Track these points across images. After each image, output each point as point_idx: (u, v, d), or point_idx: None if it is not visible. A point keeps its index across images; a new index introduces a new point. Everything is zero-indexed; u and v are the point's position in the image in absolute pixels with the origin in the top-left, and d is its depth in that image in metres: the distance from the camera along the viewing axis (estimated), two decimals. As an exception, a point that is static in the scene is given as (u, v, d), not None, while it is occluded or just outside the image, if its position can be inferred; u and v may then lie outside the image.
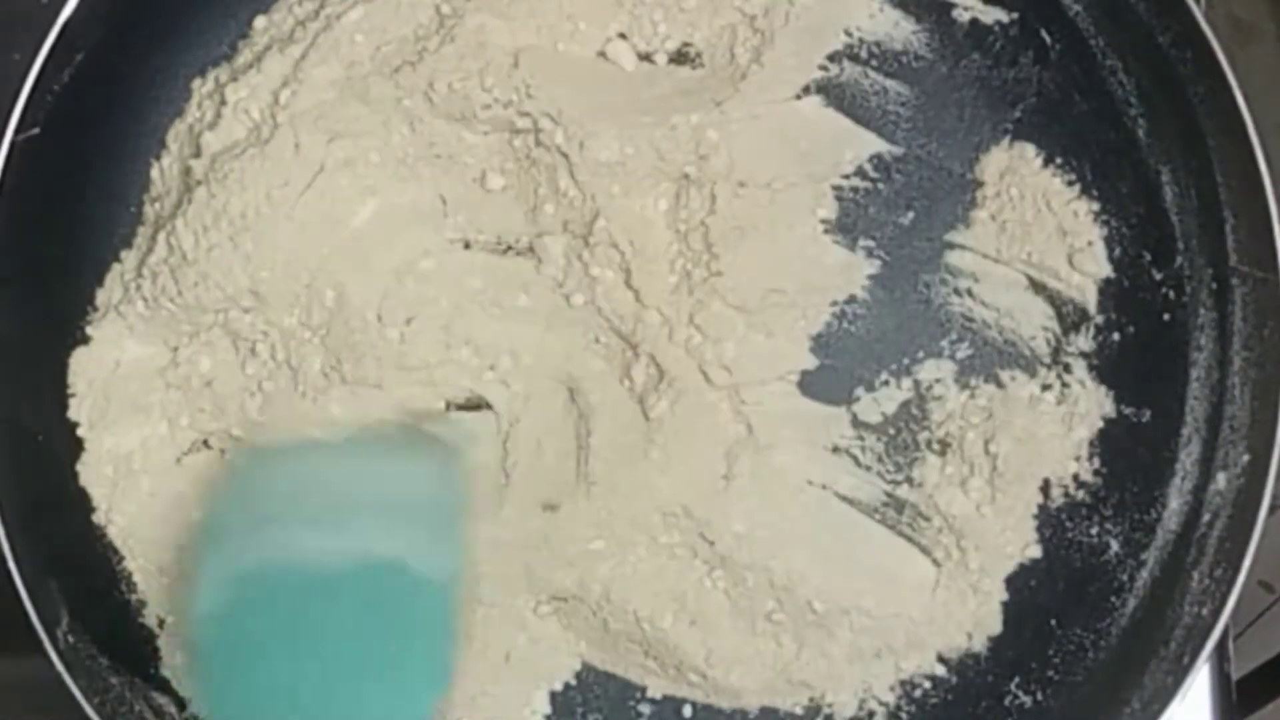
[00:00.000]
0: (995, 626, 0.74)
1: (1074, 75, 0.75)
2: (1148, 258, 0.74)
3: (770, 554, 0.72)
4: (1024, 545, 0.74)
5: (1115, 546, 0.73)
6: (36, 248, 0.73)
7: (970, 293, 0.75)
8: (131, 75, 0.76)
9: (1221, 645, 0.75)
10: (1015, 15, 0.76)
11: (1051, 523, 0.74)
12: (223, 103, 0.73)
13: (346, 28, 0.73)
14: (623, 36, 0.76)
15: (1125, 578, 0.73)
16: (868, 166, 0.76)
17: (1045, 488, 0.74)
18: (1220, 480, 0.70)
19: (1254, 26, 1.37)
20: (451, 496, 0.70)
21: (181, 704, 0.73)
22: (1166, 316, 0.73)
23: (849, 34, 0.76)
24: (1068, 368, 0.75)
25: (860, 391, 0.75)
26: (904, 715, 0.74)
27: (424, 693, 0.64)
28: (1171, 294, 0.73)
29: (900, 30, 0.77)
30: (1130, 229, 0.74)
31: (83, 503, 0.73)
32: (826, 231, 0.75)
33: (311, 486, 0.69)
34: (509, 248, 0.75)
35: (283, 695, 0.63)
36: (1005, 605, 0.74)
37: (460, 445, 0.74)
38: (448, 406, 0.75)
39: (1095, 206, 0.74)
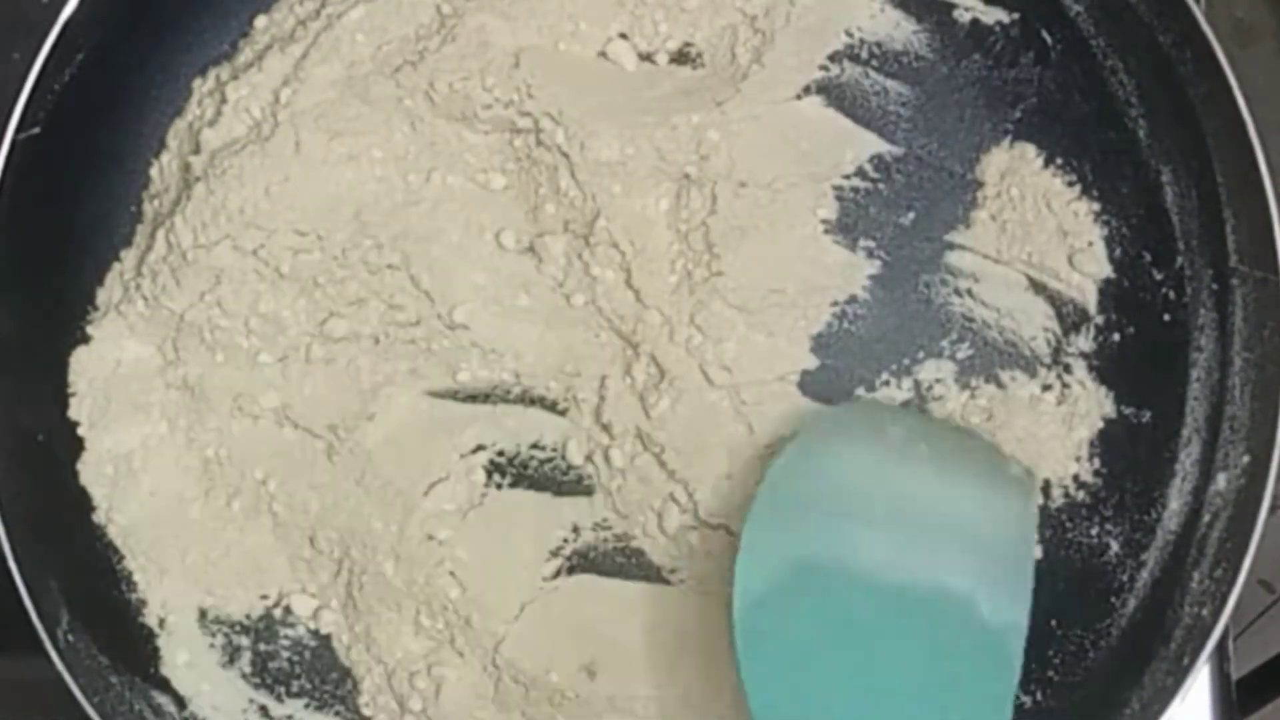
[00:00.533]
0: (996, 627, 0.74)
1: (1074, 75, 0.75)
2: (1148, 258, 0.73)
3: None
4: (1024, 546, 0.74)
5: (1115, 547, 0.73)
6: (36, 248, 0.73)
7: (970, 293, 0.75)
8: (132, 75, 0.76)
9: (1221, 645, 0.75)
10: (1016, 15, 0.76)
11: (1051, 523, 0.74)
12: (223, 100, 0.73)
13: (348, 27, 0.73)
14: (624, 36, 0.76)
15: (1125, 578, 0.72)
16: (868, 167, 0.76)
17: (1045, 488, 0.74)
18: (1220, 481, 0.70)
19: (1254, 26, 1.37)
20: (1025, 536, 0.67)
21: (181, 703, 0.73)
22: (1167, 317, 0.73)
23: (850, 34, 0.76)
24: (1068, 368, 0.75)
25: (860, 391, 0.75)
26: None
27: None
28: (1172, 294, 0.73)
29: (901, 31, 0.76)
30: (1130, 229, 0.74)
31: (83, 503, 0.73)
32: (827, 232, 0.75)
33: (884, 489, 0.66)
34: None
35: (824, 699, 0.60)
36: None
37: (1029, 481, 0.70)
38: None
39: (1095, 207, 0.74)
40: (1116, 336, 0.74)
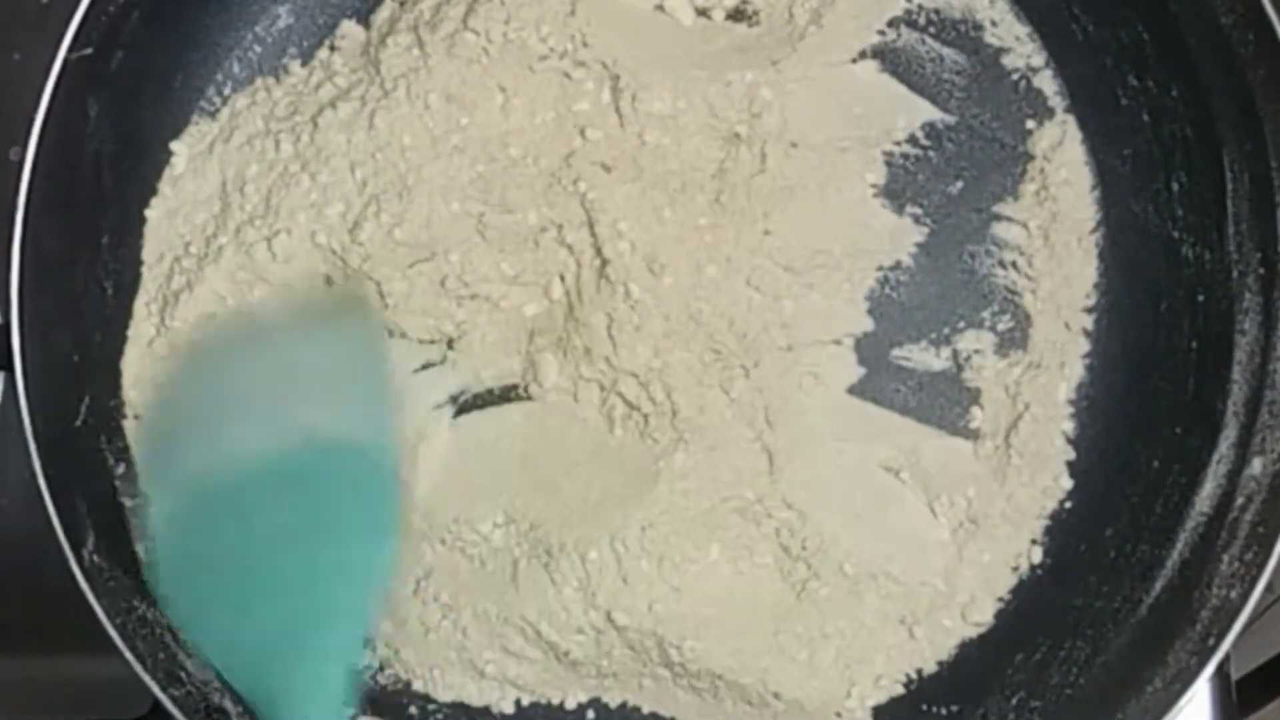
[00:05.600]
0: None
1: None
2: (1196, 240, 0.74)
3: (804, 514, 0.72)
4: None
5: (1147, 526, 0.73)
6: (83, 169, 0.73)
7: (1015, 265, 0.75)
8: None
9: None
10: (1077, -9, 0.76)
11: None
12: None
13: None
14: (682, -10, 0.76)
15: (1155, 557, 0.72)
16: (919, 134, 0.76)
17: (1080, 464, 0.74)
18: (1256, 465, 0.70)
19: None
20: (376, 360, 0.70)
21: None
22: (1212, 299, 0.73)
23: (909, 0, 0.76)
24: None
25: (897, 356, 0.75)
26: (929, 682, 0.74)
27: (380, 552, 0.64)
28: (1219, 277, 0.72)
29: (960, -1, 0.77)
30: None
31: (115, 424, 0.73)
32: (875, 196, 0.75)
33: (241, 379, 0.68)
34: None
35: (241, 593, 0.62)
36: (1033, 580, 0.74)
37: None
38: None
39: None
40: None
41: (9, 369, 0.67)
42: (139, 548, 0.66)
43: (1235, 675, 0.76)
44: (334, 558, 0.63)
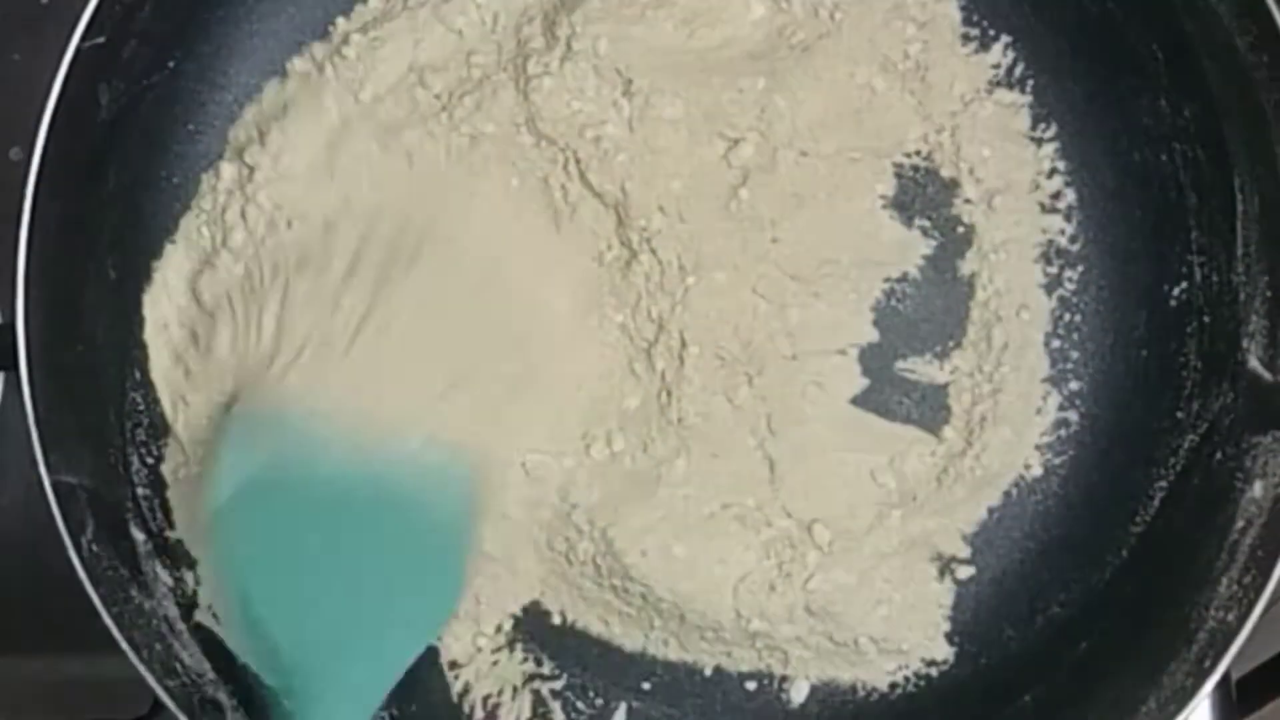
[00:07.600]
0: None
1: (1147, 74, 0.75)
2: (1204, 261, 0.74)
3: (804, 523, 0.73)
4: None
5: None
6: (94, 151, 0.73)
7: (1021, 281, 0.76)
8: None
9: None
10: (1091, 10, 0.75)
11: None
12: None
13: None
14: (698, -5, 0.76)
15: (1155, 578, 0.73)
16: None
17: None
18: (1257, 488, 0.70)
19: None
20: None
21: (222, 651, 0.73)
22: (1218, 321, 0.73)
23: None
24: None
25: (900, 368, 0.75)
26: (919, 700, 0.74)
27: (434, 613, 0.66)
28: (1226, 299, 0.72)
29: (976, 16, 0.76)
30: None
31: (119, 415, 0.73)
32: (884, 207, 0.75)
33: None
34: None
35: (295, 597, 0.64)
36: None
37: None
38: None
39: (1156, 210, 0.75)
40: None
41: (11, 368, 0.67)
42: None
43: (1235, 675, 0.76)
44: (386, 594, 0.65)
